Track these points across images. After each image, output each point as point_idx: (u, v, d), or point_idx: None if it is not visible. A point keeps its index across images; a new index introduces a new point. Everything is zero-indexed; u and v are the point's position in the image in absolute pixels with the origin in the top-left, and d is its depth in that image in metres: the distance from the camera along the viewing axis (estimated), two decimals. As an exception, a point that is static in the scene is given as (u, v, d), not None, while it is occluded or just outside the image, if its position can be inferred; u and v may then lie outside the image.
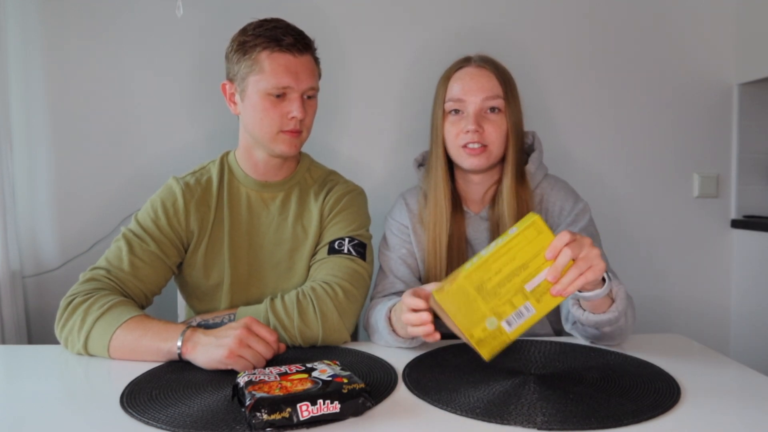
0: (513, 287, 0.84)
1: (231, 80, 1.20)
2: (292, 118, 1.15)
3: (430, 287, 0.95)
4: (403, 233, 1.29)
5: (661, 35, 1.97)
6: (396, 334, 1.07)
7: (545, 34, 1.94)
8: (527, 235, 0.83)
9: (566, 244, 0.82)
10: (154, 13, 1.85)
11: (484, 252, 0.85)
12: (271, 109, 1.14)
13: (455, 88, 1.20)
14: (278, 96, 1.14)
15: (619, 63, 1.97)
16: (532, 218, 0.84)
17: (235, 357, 0.93)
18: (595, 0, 1.95)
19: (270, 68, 1.13)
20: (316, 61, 1.21)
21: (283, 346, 1.04)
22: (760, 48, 1.88)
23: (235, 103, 1.21)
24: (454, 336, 1.25)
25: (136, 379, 0.92)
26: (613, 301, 0.99)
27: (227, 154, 1.30)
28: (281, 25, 1.16)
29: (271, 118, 1.15)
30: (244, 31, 1.17)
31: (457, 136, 1.20)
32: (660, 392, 0.84)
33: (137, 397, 0.84)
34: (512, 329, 0.85)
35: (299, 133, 1.18)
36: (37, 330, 1.87)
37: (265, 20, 1.17)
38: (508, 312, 0.85)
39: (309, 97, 1.18)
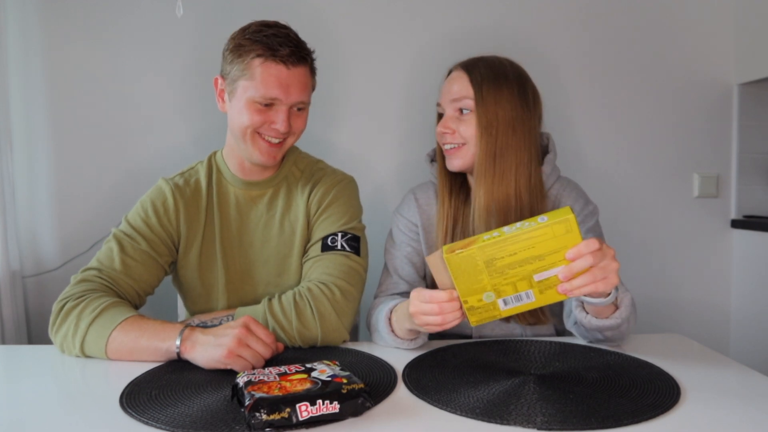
0: (522, 272, 0.85)
1: (223, 77, 1.18)
2: (275, 129, 1.13)
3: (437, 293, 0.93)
4: (410, 230, 1.29)
5: (661, 35, 1.97)
6: (395, 335, 1.07)
7: (542, 34, 1.94)
8: (555, 230, 0.82)
9: (591, 252, 0.82)
10: (154, 14, 1.84)
11: (507, 229, 0.84)
12: (256, 115, 1.12)
13: (440, 93, 1.25)
14: (266, 105, 1.12)
15: (618, 63, 1.97)
16: (566, 215, 0.82)
17: (234, 357, 0.93)
18: (594, 1, 1.95)
19: (261, 77, 1.10)
20: (312, 72, 1.18)
21: (281, 346, 1.03)
22: (760, 48, 1.87)
23: (223, 100, 1.20)
24: (454, 336, 1.25)
25: (135, 379, 0.92)
26: (617, 308, 0.99)
27: (215, 153, 1.29)
28: (281, 33, 1.12)
29: (253, 123, 1.13)
30: (243, 32, 1.14)
31: (438, 138, 1.24)
32: (660, 392, 0.84)
33: (137, 397, 0.84)
34: (506, 308, 0.88)
35: (279, 146, 1.16)
36: (37, 330, 1.87)
37: (267, 25, 1.14)
38: (508, 292, 0.87)
39: (299, 110, 1.16)
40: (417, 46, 1.92)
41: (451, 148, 1.20)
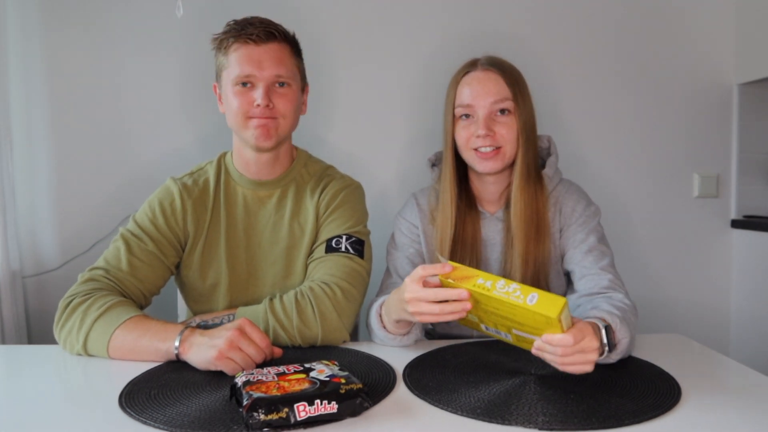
0: (503, 322, 0.87)
1: (217, 79, 1.22)
2: (257, 105, 1.15)
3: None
4: (412, 233, 1.29)
5: (661, 36, 1.97)
6: (386, 330, 1.08)
7: (542, 33, 1.94)
8: (537, 317, 0.80)
9: (563, 347, 0.80)
10: (154, 15, 1.84)
11: (500, 285, 0.82)
12: (240, 98, 1.15)
13: (463, 94, 1.20)
14: (245, 85, 1.15)
15: (618, 63, 1.96)
16: (550, 313, 0.78)
17: (224, 359, 0.92)
18: (594, 1, 1.94)
19: (234, 59, 1.15)
20: (296, 52, 1.21)
21: (278, 351, 1.01)
22: (760, 48, 1.87)
23: (222, 102, 1.22)
24: (453, 336, 1.25)
25: (135, 378, 0.92)
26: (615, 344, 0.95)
27: (224, 154, 1.30)
28: (253, 20, 1.17)
29: (239, 106, 1.16)
30: (221, 32, 1.18)
31: (468, 140, 1.20)
32: (660, 392, 0.84)
33: (136, 396, 0.84)
34: (487, 331, 0.93)
35: (268, 120, 1.16)
36: (37, 330, 1.87)
37: (243, 19, 1.18)
38: (489, 325, 0.91)
39: (281, 85, 1.17)
40: (419, 53, 1.91)
41: (489, 151, 1.18)
